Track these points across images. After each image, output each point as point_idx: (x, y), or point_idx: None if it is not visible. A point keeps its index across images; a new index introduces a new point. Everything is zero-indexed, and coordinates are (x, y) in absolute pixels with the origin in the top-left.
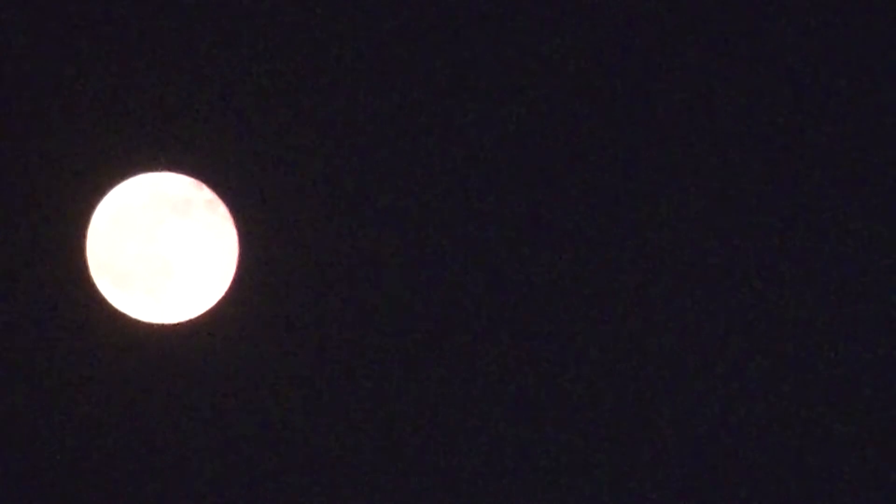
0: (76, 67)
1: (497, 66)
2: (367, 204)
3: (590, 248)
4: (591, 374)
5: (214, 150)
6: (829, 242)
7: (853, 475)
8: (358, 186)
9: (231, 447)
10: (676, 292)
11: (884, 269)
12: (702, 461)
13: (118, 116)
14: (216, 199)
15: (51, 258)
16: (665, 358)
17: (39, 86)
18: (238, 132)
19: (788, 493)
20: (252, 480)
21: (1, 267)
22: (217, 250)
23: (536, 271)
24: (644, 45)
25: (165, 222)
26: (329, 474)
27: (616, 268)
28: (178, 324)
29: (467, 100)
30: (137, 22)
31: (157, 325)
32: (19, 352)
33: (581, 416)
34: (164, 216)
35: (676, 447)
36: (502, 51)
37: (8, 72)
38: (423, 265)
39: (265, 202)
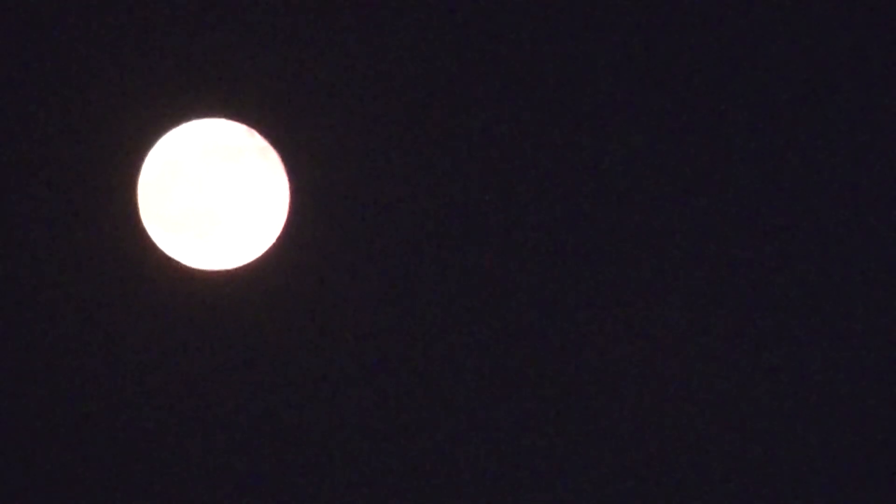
0: (128, 13)
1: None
2: (420, 156)
3: (593, 251)
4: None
5: (267, 97)
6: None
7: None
8: (412, 138)
9: (277, 393)
10: (680, 295)
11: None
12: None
13: (170, 63)
14: (268, 146)
15: (102, 204)
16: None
17: (90, 33)
18: (291, 79)
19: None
20: (299, 428)
21: (53, 215)
22: (268, 198)
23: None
24: (646, 46)
25: (217, 169)
26: (377, 421)
27: (621, 270)
28: (228, 270)
29: (525, 50)
30: None
31: (208, 271)
32: (71, 297)
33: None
34: (215, 163)
35: (676, 449)
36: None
37: (58, 18)
38: (476, 221)
39: (318, 150)
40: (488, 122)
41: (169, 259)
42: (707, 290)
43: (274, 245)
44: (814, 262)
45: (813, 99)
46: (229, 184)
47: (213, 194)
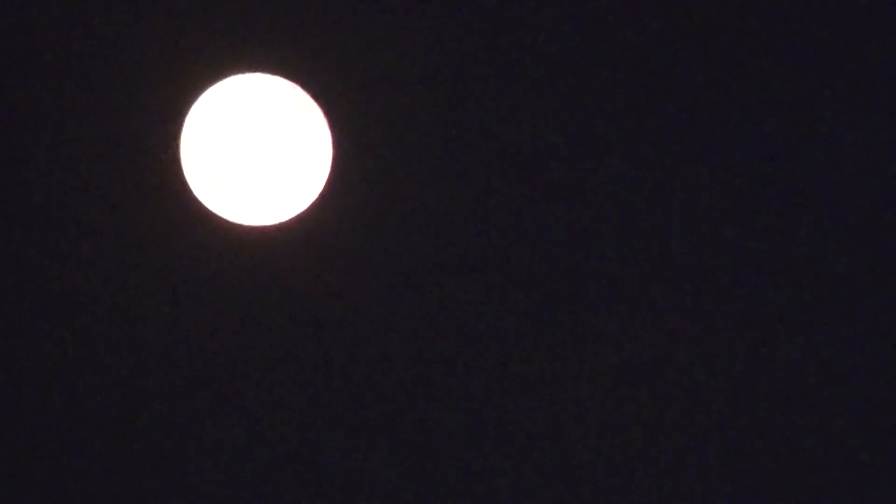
0: None
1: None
2: (466, 112)
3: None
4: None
5: (311, 51)
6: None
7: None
8: (458, 94)
9: (319, 349)
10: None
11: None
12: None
13: (213, 17)
14: (311, 101)
15: (145, 159)
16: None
17: None
18: (334, 33)
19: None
20: (339, 385)
21: (95, 171)
22: (311, 153)
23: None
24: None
25: (259, 124)
26: (416, 380)
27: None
28: (271, 226)
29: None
30: None
31: (250, 226)
32: (113, 252)
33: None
34: (258, 118)
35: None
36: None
37: None
38: (524, 182)
39: (361, 105)
40: (537, 83)
41: (211, 214)
42: (707, 288)
43: (316, 200)
44: (813, 261)
45: (814, 101)
46: (272, 139)
47: (256, 149)
